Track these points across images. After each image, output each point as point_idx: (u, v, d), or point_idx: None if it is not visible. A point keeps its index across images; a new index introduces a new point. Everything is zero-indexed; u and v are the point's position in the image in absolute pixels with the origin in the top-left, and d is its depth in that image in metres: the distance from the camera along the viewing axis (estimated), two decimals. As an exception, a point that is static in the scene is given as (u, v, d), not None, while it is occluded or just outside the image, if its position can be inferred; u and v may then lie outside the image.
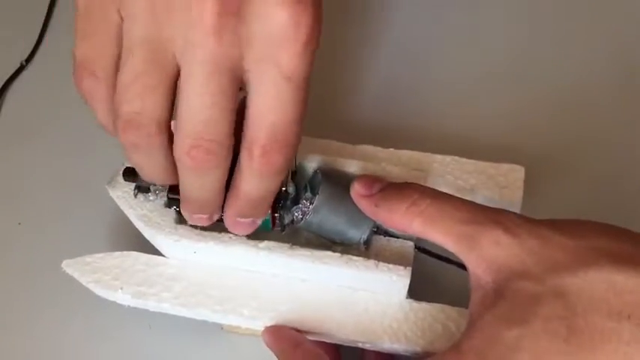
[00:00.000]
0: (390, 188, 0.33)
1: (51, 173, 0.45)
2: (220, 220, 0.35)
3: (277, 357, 0.35)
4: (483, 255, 0.30)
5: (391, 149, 0.40)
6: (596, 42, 0.48)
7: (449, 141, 0.43)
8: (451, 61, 0.48)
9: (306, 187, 0.36)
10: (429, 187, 0.33)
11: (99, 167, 0.39)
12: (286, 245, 0.35)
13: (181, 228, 0.36)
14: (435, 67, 0.48)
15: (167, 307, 0.36)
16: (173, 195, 0.36)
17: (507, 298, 0.29)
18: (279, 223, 0.36)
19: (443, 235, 0.31)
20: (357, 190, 0.34)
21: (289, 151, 0.30)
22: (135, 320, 0.39)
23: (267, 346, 0.35)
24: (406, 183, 0.33)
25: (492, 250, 0.30)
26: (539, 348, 0.27)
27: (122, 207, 0.38)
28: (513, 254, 0.30)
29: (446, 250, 0.32)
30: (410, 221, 0.32)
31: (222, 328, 0.39)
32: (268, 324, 0.35)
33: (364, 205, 0.34)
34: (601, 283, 0.28)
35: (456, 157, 0.40)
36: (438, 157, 0.40)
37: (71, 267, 0.37)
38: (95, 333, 0.40)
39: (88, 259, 0.37)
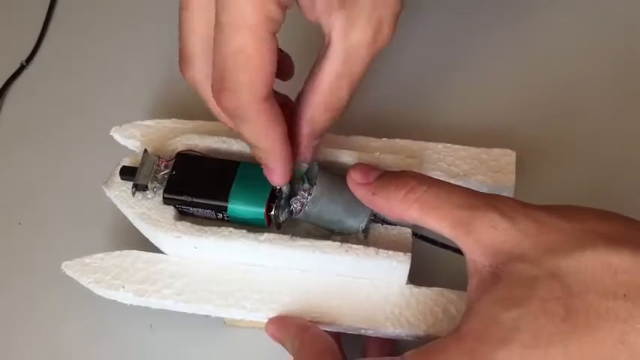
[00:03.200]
0: (387, 176, 0.34)
1: (51, 173, 0.45)
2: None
3: (284, 344, 0.35)
4: (480, 239, 0.31)
5: (384, 139, 0.41)
6: (589, 28, 0.49)
7: (440, 128, 0.44)
8: (441, 50, 0.49)
9: (303, 179, 0.37)
10: (425, 175, 0.33)
11: (98, 167, 0.39)
12: (286, 237, 0.36)
13: (181, 224, 0.36)
14: (425, 56, 0.48)
15: (169, 304, 0.36)
16: (169, 195, 0.37)
17: (504, 281, 0.29)
18: (275, 221, 0.36)
19: (440, 221, 0.32)
20: (353, 178, 0.34)
21: None
22: (136, 319, 0.39)
23: (272, 337, 0.35)
24: (403, 171, 0.34)
25: (489, 234, 0.30)
26: (537, 328, 0.28)
27: (120, 206, 0.38)
28: (510, 237, 0.30)
29: (442, 236, 0.33)
30: (407, 208, 0.32)
31: (224, 323, 0.39)
32: (271, 316, 0.36)
33: (361, 193, 0.34)
34: (596, 263, 0.28)
35: (448, 144, 0.41)
36: (431, 144, 0.40)
37: (71, 268, 0.37)
38: (96, 333, 0.40)
39: (88, 259, 0.38)
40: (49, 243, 0.42)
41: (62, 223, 0.43)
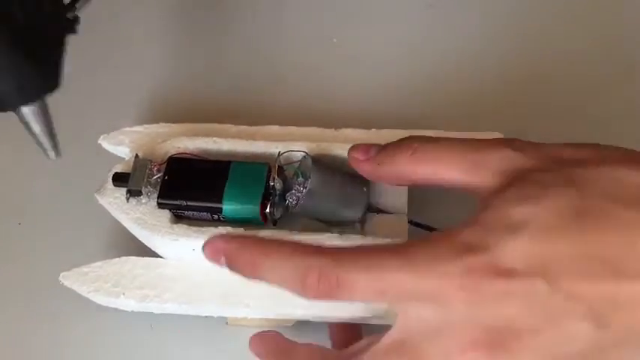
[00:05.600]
0: (389, 146, 0.34)
1: (51, 173, 0.44)
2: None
3: (238, 264, 0.32)
4: (492, 168, 0.31)
5: (373, 129, 0.41)
6: (575, 12, 0.49)
7: (427, 116, 0.44)
8: (424, 37, 0.49)
9: (296, 173, 0.37)
10: (425, 135, 0.33)
11: (99, 167, 0.39)
12: (285, 231, 0.36)
13: (178, 227, 0.36)
14: (408, 44, 0.48)
15: (172, 308, 0.36)
16: (163, 200, 0.37)
17: (518, 185, 0.30)
18: (270, 218, 0.36)
19: (451, 168, 0.31)
20: (355, 156, 0.34)
21: None
22: (136, 320, 0.39)
23: (256, 355, 0.34)
24: (402, 138, 0.34)
25: (502, 164, 0.31)
26: (547, 223, 0.28)
27: (114, 213, 0.38)
28: (523, 162, 0.30)
29: (437, 223, 0.33)
30: (415, 166, 0.32)
31: (227, 323, 0.39)
32: (276, 312, 0.36)
33: (366, 168, 0.34)
34: (610, 176, 0.29)
35: (437, 131, 0.40)
36: (420, 132, 0.40)
37: (69, 279, 0.37)
38: (97, 334, 0.39)
39: (85, 269, 0.37)
40: (49, 243, 0.42)
41: (63, 223, 0.42)
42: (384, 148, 0.34)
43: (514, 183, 0.30)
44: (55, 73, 0.32)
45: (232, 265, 0.31)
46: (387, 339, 0.30)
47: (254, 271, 0.30)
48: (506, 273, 0.28)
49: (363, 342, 0.31)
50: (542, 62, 0.47)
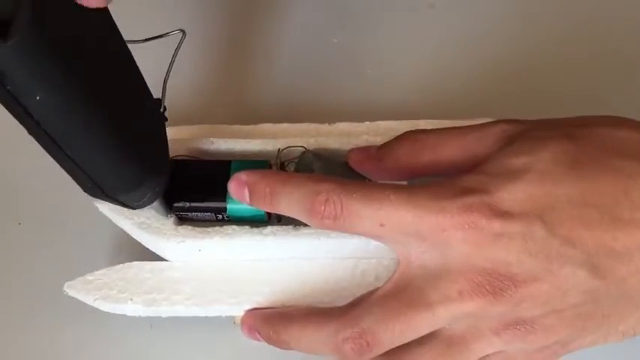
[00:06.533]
0: (388, 143, 0.35)
1: (52, 173, 0.44)
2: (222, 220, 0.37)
3: (271, 341, 0.35)
4: (493, 139, 0.32)
5: (367, 122, 0.41)
6: (575, 12, 0.50)
7: (418, 105, 0.45)
8: (429, 37, 0.49)
9: (298, 169, 0.37)
10: (423, 129, 0.35)
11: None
12: (290, 227, 0.36)
13: (183, 229, 0.36)
14: (414, 46, 0.49)
15: (181, 310, 0.36)
16: (166, 203, 0.37)
17: (518, 141, 0.31)
18: (275, 215, 0.36)
19: (452, 147, 0.33)
20: (355, 158, 0.35)
21: None
22: (135, 320, 0.38)
23: (252, 336, 0.36)
24: (399, 135, 0.35)
25: (502, 134, 0.32)
26: (545, 170, 0.29)
27: (116, 219, 0.37)
28: (523, 127, 0.32)
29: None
30: (419, 157, 0.33)
31: (234, 323, 0.39)
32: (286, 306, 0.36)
33: (368, 166, 0.35)
34: (602, 132, 0.30)
35: (430, 120, 0.41)
36: (413, 122, 0.41)
37: (74, 288, 0.37)
38: (95, 334, 0.39)
39: (90, 277, 0.37)
40: (49, 243, 0.41)
41: (63, 222, 0.42)
42: (383, 145, 0.35)
43: (514, 141, 0.31)
44: (168, 167, 0.34)
45: (253, 196, 0.32)
46: (389, 284, 0.31)
47: (272, 200, 0.31)
48: (504, 214, 0.28)
49: (363, 294, 0.32)
50: (543, 62, 0.48)
